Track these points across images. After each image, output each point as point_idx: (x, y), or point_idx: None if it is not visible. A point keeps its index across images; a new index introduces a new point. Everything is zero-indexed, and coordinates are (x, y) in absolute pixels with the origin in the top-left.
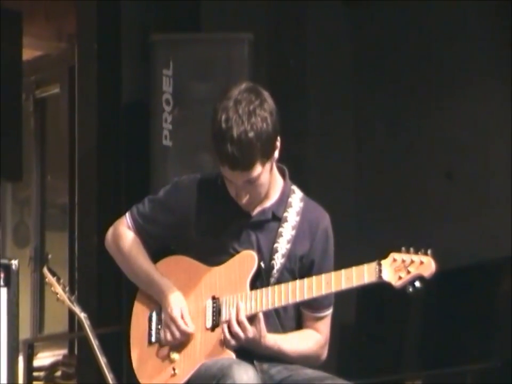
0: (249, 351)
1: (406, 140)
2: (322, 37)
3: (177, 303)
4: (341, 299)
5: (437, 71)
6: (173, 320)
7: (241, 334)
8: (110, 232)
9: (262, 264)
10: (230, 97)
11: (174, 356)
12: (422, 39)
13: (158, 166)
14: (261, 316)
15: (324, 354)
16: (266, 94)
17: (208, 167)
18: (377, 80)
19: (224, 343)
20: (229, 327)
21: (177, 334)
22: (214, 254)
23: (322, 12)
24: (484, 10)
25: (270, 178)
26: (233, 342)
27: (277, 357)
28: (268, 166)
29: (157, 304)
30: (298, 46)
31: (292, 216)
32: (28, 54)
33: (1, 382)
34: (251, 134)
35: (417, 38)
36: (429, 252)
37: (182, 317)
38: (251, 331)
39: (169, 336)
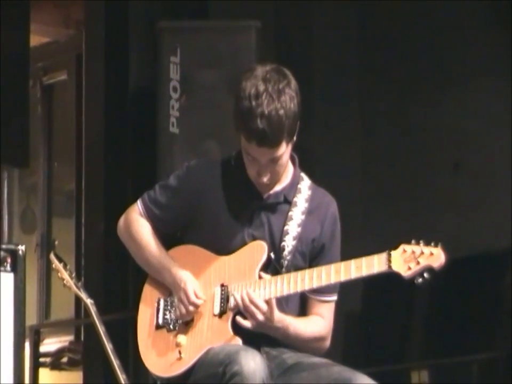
0: (256, 338)
1: (412, 130)
2: (329, 27)
3: (190, 279)
4: (347, 288)
5: (443, 62)
6: (185, 292)
7: (256, 313)
8: (122, 219)
9: (272, 255)
10: (257, 75)
11: (181, 340)
12: (428, 30)
13: (165, 152)
14: (272, 300)
15: (328, 340)
16: (290, 75)
17: (214, 154)
18: (383, 71)
19: (239, 324)
20: (245, 307)
21: (188, 306)
22: (226, 236)
23: (329, 2)
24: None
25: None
26: (250, 322)
27: (284, 340)
28: (290, 146)
29: (166, 290)
30: (305, 35)
31: (301, 201)
32: (35, 40)
33: (8, 368)
34: (281, 112)
35: (423, 28)
36: (439, 244)
37: (194, 291)
38: (264, 308)
39: (182, 309)
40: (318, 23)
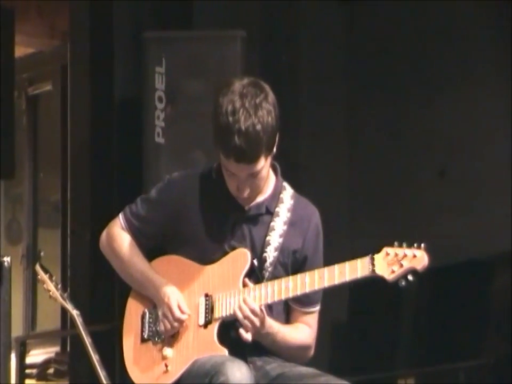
0: (242, 348)
1: (399, 136)
2: (314, 33)
3: (173, 293)
4: (333, 296)
5: (430, 67)
6: (169, 307)
7: (254, 320)
8: (104, 234)
9: (255, 262)
10: (234, 90)
11: (167, 352)
12: (416, 35)
13: (151, 163)
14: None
15: (313, 349)
16: (268, 88)
17: (200, 164)
18: (370, 77)
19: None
20: (245, 317)
21: (173, 322)
22: (208, 248)
23: (315, 9)
24: (481, 5)
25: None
26: (248, 330)
27: (272, 347)
28: (269, 159)
29: (150, 302)
30: (291, 43)
31: (283, 212)
32: (20, 51)
33: None
34: (258, 127)
35: (411, 34)
36: (422, 245)
37: (178, 306)
38: (260, 315)
39: (167, 325)
40: (304, 32)
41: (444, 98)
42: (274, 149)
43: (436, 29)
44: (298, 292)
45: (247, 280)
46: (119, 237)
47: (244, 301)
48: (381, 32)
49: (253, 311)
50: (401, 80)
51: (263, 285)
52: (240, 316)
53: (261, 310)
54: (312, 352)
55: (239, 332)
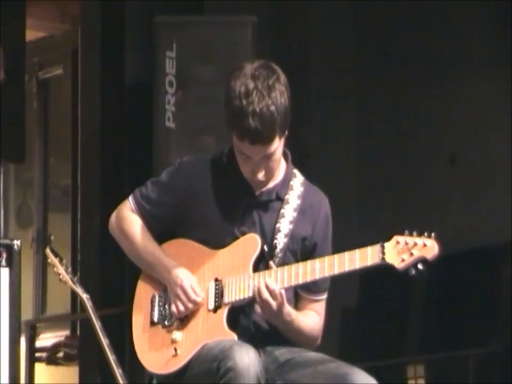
0: (251, 333)
1: (409, 124)
2: (325, 21)
3: (187, 275)
4: (343, 282)
5: (439, 55)
6: (183, 289)
7: (272, 301)
8: (113, 216)
9: (266, 247)
10: (246, 73)
11: (176, 336)
12: (425, 24)
13: (161, 147)
14: (282, 290)
15: (320, 336)
16: (279, 69)
17: (211, 149)
18: (380, 65)
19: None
20: (260, 296)
21: (187, 303)
22: (217, 234)
23: None
24: None
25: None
26: (264, 310)
27: (285, 332)
28: (282, 140)
29: (160, 285)
30: (302, 31)
31: (293, 198)
32: (31, 35)
33: (3, 363)
34: (272, 108)
35: (420, 23)
36: (432, 234)
37: (192, 288)
38: (279, 299)
39: (180, 306)
40: (315, 18)
41: (453, 86)
42: (287, 131)
43: (444, 16)
44: (308, 278)
45: (271, 263)
46: (129, 219)
47: (265, 283)
48: (389, 20)
49: (272, 293)
50: (411, 68)
51: (272, 271)
52: (258, 298)
53: (280, 294)
54: (319, 340)
55: (255, 307)
